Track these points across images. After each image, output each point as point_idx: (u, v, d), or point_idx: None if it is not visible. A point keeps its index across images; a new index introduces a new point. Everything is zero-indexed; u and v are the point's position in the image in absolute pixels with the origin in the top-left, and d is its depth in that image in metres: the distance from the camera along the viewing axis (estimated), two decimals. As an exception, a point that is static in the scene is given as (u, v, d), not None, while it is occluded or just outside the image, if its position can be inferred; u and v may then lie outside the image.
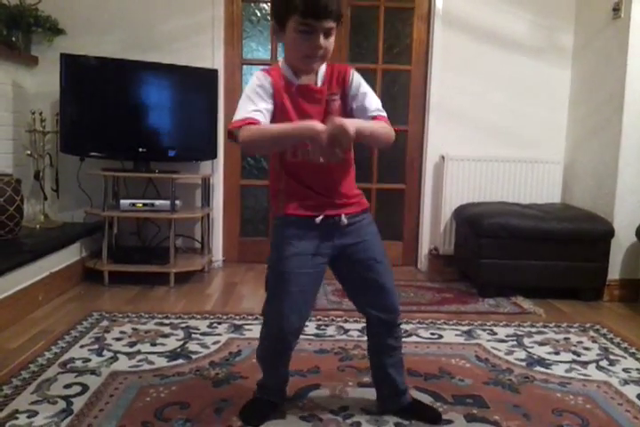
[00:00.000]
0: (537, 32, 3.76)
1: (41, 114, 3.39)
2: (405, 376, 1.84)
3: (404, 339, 2.45)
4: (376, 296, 1.71)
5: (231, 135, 1.51)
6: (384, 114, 1.60)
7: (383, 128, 1.56)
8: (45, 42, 3.53)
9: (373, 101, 1.60)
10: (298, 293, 1.64)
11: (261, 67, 3.74)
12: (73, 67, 3.29)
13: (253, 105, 1.50)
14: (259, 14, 3.82)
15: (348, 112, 1.59)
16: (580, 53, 3.72)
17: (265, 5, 3.81)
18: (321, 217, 1.60)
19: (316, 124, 1.40)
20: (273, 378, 1.82)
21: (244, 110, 1.50)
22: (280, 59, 1.62)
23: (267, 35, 3.83)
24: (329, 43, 1.50)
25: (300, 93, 1.57)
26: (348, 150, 1.61)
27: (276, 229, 1.70)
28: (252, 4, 3.81)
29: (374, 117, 1.57)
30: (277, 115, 1.55)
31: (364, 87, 1.61)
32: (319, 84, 1.58)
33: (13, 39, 3.36)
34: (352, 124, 1.39)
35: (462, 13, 3.71)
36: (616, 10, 3.25)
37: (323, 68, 1.59)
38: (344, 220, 1.61)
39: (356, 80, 1.60)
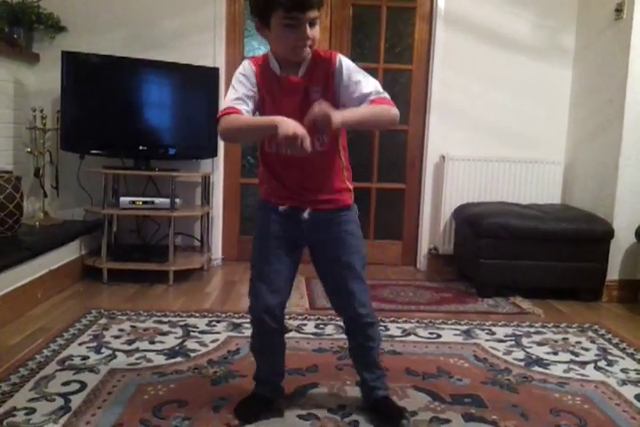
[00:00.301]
0: (539, 32, 3.76)
1: (42, 111, 3.39)
2: (381, 375, 1.81)
3: (402, 338, 2.48)
4: (343, 296, 1.73)
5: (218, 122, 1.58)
6: (383, 95, 1.55)
7: (380, 110, 1.54)
8: (47, 39, 3.53)
9: (369, 85, 1.55)
10: (268, 272, 1.67)
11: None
12: (74, 64, 3.29)
13: (235, 93, 1.56)
14: (260, 13, 3.81)
15: (337, 103, 1.55)
16: (581, 54, 3.72)
17: (266, 4, 3.80)
18: (284, 207, 1.64)
19: (275, 119, 1.42)
20: (263, 369, 1.82)
21: (227, 99, 1.57)
22: (268, 51, 1.62)
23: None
24: (315, 31, 1.50)
25: (278, 85, 1.58)
26: (327, 145, 1.61)
27: (256, 212, 1.78)
28: (254, 3, 3.80)
29: (372, 101, 1.54)
30: (257, 104, 1.59)
31: (355, 74, 1.56)
32: (300, 74, 1.57)
33: (15, 36, 3.36)
34: (338, 115, 1.41)
35: (464, 13, 3.71)
36: (618, 11, 3.25)
37: (308, 58, 1.57)
38: (305, 215, 1.63)
39: (345, 68, 1.56)
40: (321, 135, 1.58)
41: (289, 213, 1.64)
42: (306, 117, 1.42)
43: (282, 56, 1.56)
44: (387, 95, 1.56)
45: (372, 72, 3.80)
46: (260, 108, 1.60)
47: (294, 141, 1.38)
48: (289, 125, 1.39)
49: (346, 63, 1.57)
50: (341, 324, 2.60)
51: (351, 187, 1.71)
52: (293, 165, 1.60)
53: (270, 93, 1.58)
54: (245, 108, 1.54)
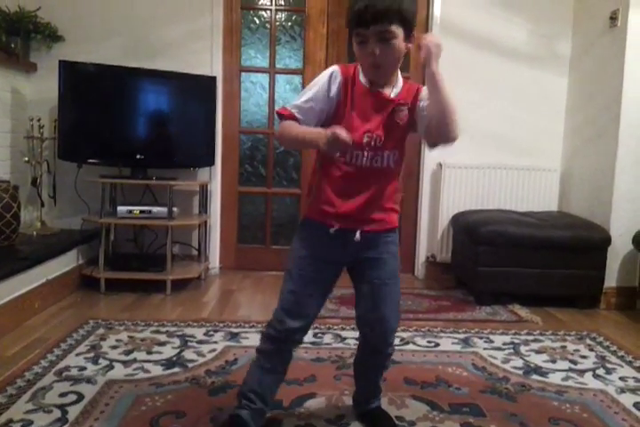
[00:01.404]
0: (534, 40, 3.77)
1: (39, 120, 3.39)
2: (377, 392, 1.83)
3: (401, 347, 2.48)
4: (372, 321, 1.69)
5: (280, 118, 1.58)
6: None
7: (451, 98, 1.50)
8: (44, 48, 3.54)
9: None
10: (296, 293, 1.63)
11: (259, 74, 3.82)
12: (71, 73, 3.30)
13: (306, 100, 1.53)
14: (257, 22, 3.83)
15: (411, 123, 1.59)
16: (577, 61, 3.74)
17: (264, 13, 3.82)
18: (335, 228, 1.58)
19: (319, 136, 1.41)
20: (257, 385, 1.68)
21: (296, 101, 1.55)
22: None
23: (265, 42, 3.84)
24: (388, 48, 1.46)
25: (368, 97, 1.55)
26: (398, 161, 1.62)
27: (298, 228, 1.71)
28: (251, 12, 3.82)
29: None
30: (342, 109, 1.55)
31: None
32: (392, 95, 1.57)
33: (12, 46, 3.36)
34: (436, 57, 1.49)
35: (460, 21, 3.72)
36: (613, 18, 3.27)
37: (400, 83, 1.58)
38: (357, 237, 1.59)
39: (425, 91, 1.58)
40: (395, 151, 1.59)
41: (339, 235, 1.59)
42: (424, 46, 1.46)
43: (367, 76, 1.55)
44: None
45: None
46: (340, 110, 1.56)
47: (338, 144, 1.37)
48: (324, 135, 1.39)
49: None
50: (339, 333, 2.62)
51: (399, 209, 1.70)
52: (363, 180, 1.57)
53: (355, 105, 1.55)
54: (303, 118, 1.53)
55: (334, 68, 1.57)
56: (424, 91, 1.57)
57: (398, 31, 1.46)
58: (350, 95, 1.55)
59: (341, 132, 1.37)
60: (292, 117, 1.53)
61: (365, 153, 1.55)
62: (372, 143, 1.55)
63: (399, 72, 1.59)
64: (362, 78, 1.56)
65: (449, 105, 1.47)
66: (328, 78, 1.55)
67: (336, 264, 1.66)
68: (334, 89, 1.54)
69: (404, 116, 1.58)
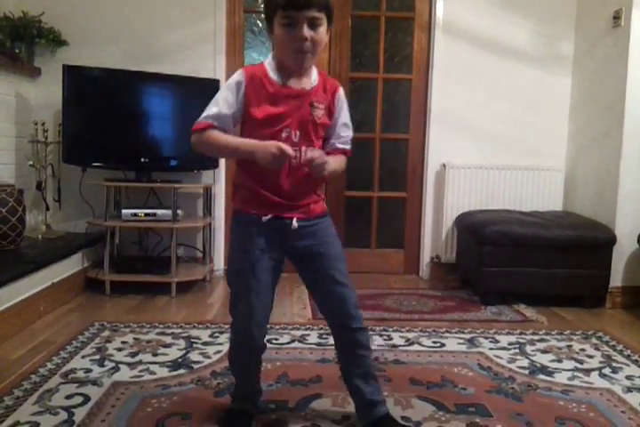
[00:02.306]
0: (537, 40, 3.77)
1: (43, 124, 3.40)
2: (379, 387, 1.76)
3: (406, 347, 2.47)
4: (335, 300, 1.69)
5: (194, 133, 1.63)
6: (349, 146, 1.72)
7: (342, 167, 1.70)
8: (48, 53, 3.55)
9: (348, 131, 1.70)
10: (257, 286, 1.63)
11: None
12: (75, 78, 3.31)
13: (217, 108, 1.58)
14: (260, 25, 3.84)
15: (332, 124, 1.66)
16: (580, 61, 3.73)
17: (266, 16, 3.83)
18: (269, 216, 1.60)
19: (255, 148, 1.49)
20: (244, 386, 1.81)
21: (210, 111, 1.59)
22: (267, 59, 1.62)
23: (268, 45, 3.85)
24: (316, 34, 1.48)
25: (280, 94, 1.56)
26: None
27: (231, 224, 1.72)
28: (254, 15, 3.84)
29: (339, 149, 1.70)
30: (252, 113, 1.57)
31: (347, 113, 1.69)
32: (307, 88, 1.58)
33: (16, 51, 3.38)
34: (329, 166, 1.54)
35: (462, 22, 3.73)
36: (616, 18, 3.27)
37: (314, 74, 1.60)
38: (295, 224, 1.61)
39: (342, 100, 1.67)
40: (310, 146, 1.60)
41: (273, 223, 1.61)
42: (305, 156, 1.48)
43: (285, 63, 1.56)
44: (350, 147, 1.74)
45: (372, 82, 3.85)
46: (245, 116, 1.59)
47: (282, 158, 1.45)
48: (268, 151, 1.46)
49: (344, 96, 1.68)
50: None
51: (323, 196, 1.75)
52: (283, 171, 1.58)
53: (261, 101, 1.56)
54: (219, 125, 1.58)
55: (239, 72, 1.60)
56: (339, 95, 1.65)
57: (324, 18, 1.49)
58: (262, 93, 1.56)
59: (287, 148, 1.44)
60: (213, 127, 1.58)
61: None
62: (293, 138, 1.57)
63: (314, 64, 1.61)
64: (272, 74, 1.57)
65: (336, 174, 1.70)
66: (234, 83, 1.57)
67: (277, 252, 1.65)
68: (241, 92, 1.56)
69: (322, 115, 1.61)
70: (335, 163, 1.63)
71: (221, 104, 1.58)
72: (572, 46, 3.79)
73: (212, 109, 1.59)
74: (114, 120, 3.42)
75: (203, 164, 3.62)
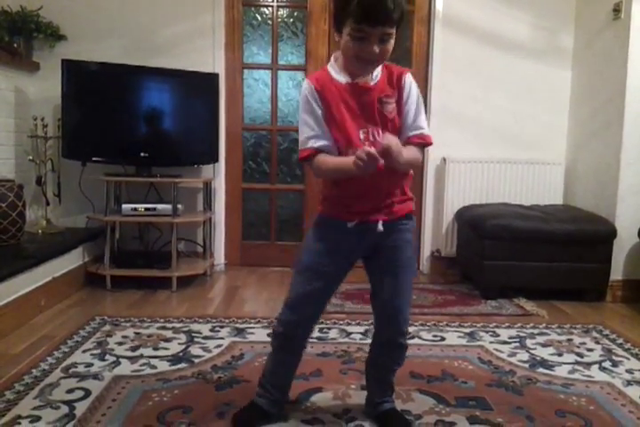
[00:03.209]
0: (537, 34, 3.76)
1: (43, 119, 3.40)
2: (390, 392, 1.81)
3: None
4: (386, 310, 1.69)
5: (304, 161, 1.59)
6: (425, 132, 1.59)
7: (417, 158, 1.58)
8: (47, 48, 3.55)
9: (424, 120, 1.59)
10: (317, 288, 1.64)
11: (262, 71, 3.82)
12: (74, 72, 3.30)
13: (309, 129, 1.54)
14: (259, 18, 3.83)
15: (402, 116, 1.57)
16: (580, 55, 3.72)
17: (265, 9, 3.82)
18: (354, 222, 1.58)
19: (352, 162, 1.41)
20: (274, 378, 1.77)
21: (304, 136, 1.55)
22: (330, 62, 1.59)
23: (267, 39, 3.84)
24: (385, 48, 1.45)
25: (348, 92, 1.54)
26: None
27: (313, 224, 1.70)
28: (253, 9, 3.82)
29: (413, 137, 1.57)
30: (329, 118, 1.54)
31: (419, 102, 1.59)
32: (371, 83, 1.55)
33: (15, 45, 3.37)
34: (399, 155, 1.41)
35: (462, 16, 3.71)
36: (616, 11, 3.26)
37: (378, 68, 1.56)
38: (380, 227, 1.58)
39: (409, 87, 1.57)
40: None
41: (359, 228, 1.59)
42: (382, 143, 1.40)
43: (347, 64, 1.53)
44: (429, 133, 1.61)
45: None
46: (328, 117, 1.55)
47: (370, 162, 1.38)
48: (355, 165, 1.40)
49: (411, 81, 1.59)
50: (345, 328, 2.62)
51: (412, 195, 1.70)
52: (372, 176, 1.51)
53: (338, 99, 1.53)
54: (325, 144, 1.54)
55: (306, 84, 1.56)
56: (404, 82, 1.57)
57: (395, 31, 1.46)
58: (332, 98, 1.54)
59: (361, 152, 1.38)
60: (315, 152, 1.53)
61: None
62: (371, 138, 1.54)
63: None
64: (335, 75, 1.55)
65: (412, 166, 1.61)
66: (307, 93, 1.55)
67: (352, 257, 1.66)
68: (318, 99, 1.54)
69: (392, 109, 1.56)
70: (408, 153, 1.50)
71: (309, 120, 1.54)
72: (571, 39, 3.78)
73: (304, 132, 1.55)
74: (113, 115, 3.41)
75: (202, 158, 3.61)
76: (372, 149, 1.38)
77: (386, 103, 1.54)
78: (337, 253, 1.63)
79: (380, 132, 1.53)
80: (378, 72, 1.55)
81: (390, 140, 1.40)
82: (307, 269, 1.65)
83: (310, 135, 1.54)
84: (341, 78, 1.55)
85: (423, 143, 1.59)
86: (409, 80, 1.58)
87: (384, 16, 1.39)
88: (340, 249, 1.63)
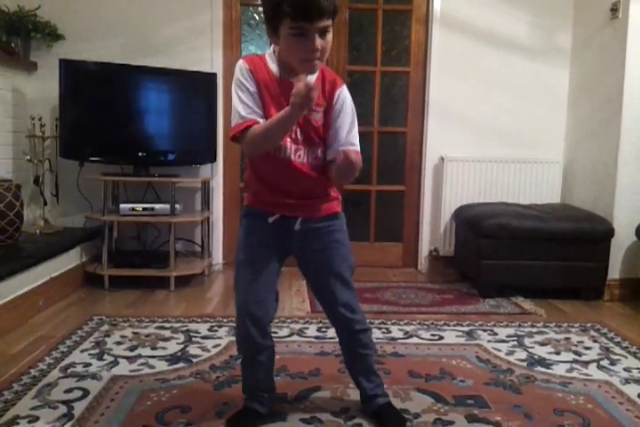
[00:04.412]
0: (535, 33, 3.76)
1: (40, 119, 3.40)
2: (379, 381, 1.82)
3: (405, 340, 2.48)
4: (333, 305, 1.71)
5: (235, 139, 1.55)
6: (357, 149, 1.56)
7: (355, 171, 1.51)
8: (44, 47, 3.54)
9: (352, 133, 1.57)
10: (256, 282, 1.64)
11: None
12: (72, 72, 3.30)
13: (244, 107, 1.51)
14: (257, 18, 3.83)
15: (327, 127, 1.57)
16: (578, 54, 3.73)
17: (263, 9, 3.81)
18: (275, 217, 1.60)
19: (287, 109, 1.40)
20: (249, 382, 1.78)
21: (237, 113, 1.52)
22: (268, 51, 1.57)
23: (266, 38, 3.83)
24: (325, 42, 1.43)
25: (280, 88, 1.52)
26: (319, 159, 1.60)
27: (241, 218, 1.72)
28: (251, 8, 3.82)
29: (353, 153, 1.49)
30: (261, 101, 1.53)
31: (348, 111, 1.57)
32: None
33: (12, 45, 3.37)
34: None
35: (460, 15, 3.72)
36: (614, 10, 3.26)
37: (316, 72, 1.54)
38: (297, 226, 1.60)
39: (342, 101, 1.57)
40: (315, 150, 1.58)
41: (279, 223, 1.61)
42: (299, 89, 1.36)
43: (292, 66, 1.50)
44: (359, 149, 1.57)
45: (370, 75, 3.84)
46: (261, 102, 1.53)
47: (309, 94, 1.34)
48: (300, 94, 1.35)
49: (349, 100, 1.58)
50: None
51: (339, 195, 1.70)
52: (287, 171, 1.57)
53: (269, 93, 1.53)
54: (258, 120, 1.51)
55: (240, 63, 1.55)
56: (338, 94, 1.55)
57: (331, 24, 1.44)
58: (262, 81, 1.53)
59: (304, 83, 1.34)
60: (249, 125, 1.50)
61: (288, 145, 1.55)
62: (293, 135, 1.54)
63: None
64: (272, 66, 1.54)
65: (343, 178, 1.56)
66: (239, 73, 1.53)
67: (281, 251, 1.66)
68: (252, 82, 1.52)
69: (320, 118, 1.55)
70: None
71: (243, 97, 1.52)
72: (569, 38, 3.78)
73: (237, 109, 1.52)
74: (111, 114, 3.41)
75: (200, 157, 3.61)
76: (308, 82, 1.35)
77: (314, 111, 1.52)
78: (266, 244, 1.64)
79: (307, 134, 1.54)
80: (313, 77, 1.50)
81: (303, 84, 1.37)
82: (241, 266, 1.67)
83: (248, 111, 1.51)
84: (275, 69, 1.53)
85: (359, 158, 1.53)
86: (343, 95, 1.57)
87: (320, 9, 1.38)
88: (268, 241, 1.63)
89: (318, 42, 1.41)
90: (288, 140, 1.54)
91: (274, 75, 1.54)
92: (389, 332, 2.60)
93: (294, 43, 1.42)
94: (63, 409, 1.79)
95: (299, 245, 1.65)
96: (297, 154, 1.57)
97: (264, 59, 1.56)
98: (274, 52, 1.55)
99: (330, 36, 1.45)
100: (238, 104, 1.52)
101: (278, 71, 1.53)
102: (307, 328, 2.63)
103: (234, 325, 2.62)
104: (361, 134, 1.62)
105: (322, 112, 1.56)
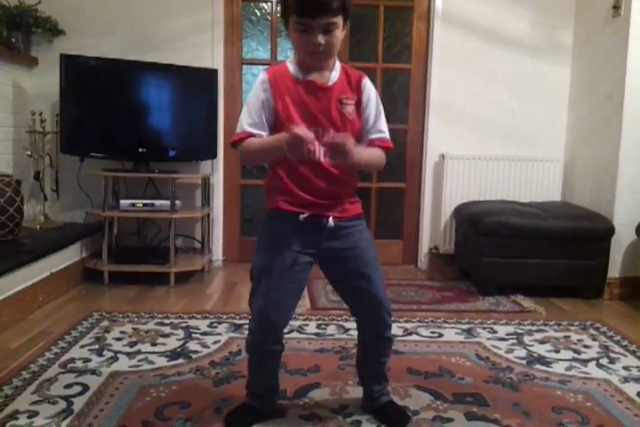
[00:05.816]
0: (537, 30, 3.75)
1: (41, 114, 3.39)
2: (386, 384, 1.82)
3: (404, 337, 2.48)
4: (367, 307, 1.69)
5: (233, 146, 1.59)
6: (386, 136, 1.63)
7: (381, 158, 1.62)
8: (45, 42, 3.53)
9: (380, 120, 1.62)
10: (278, 289, 1.60)
11: (261, 67, 3.81)
12: (73, 67, 3.30)
13: (249, 117, 1.55)
14: (258, 14, 3.82)
15: (362, 119, 1.60)
16: (579, 51, 3.72)
17: (265, 5, 3.81)
18: (306, 215, 1.57)
19: (281, 136, 1.44)
20: (255, 384, 1.76)
21: (242, 122, 1.56)
22: (292, 52, 1.60)
23: (267, 34, 3.83)
24: (331, 38, 1.46)
25: (304, 89, 1.54)
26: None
27: (263, 223, 1.68)
28: (252, 4, 3.81)
29: (374, 140, 1.61)
30: (280, 112, 1.54)
31: (378, 105, 1.62)
32: (329, 83, 1.56)
33: (13, 40, 3.36)
34: (357, 154, 1.44)
35: (462, 12, 3.71)
36: (616, 7, 3.25)
37: (337, 68, 1.57)
38: (331, 222, 1.58)
39: (369, 91, 1.60)
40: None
41: (310, 221, 1.57)
42: (328, 138, 1.42)
43: (302, 61, 1.54)
44: (388, 136, 1.64)
45: (371, 72, 3.83)
46: (283, 114, 1.54)
47: (299, 143, 1.38)
48: (285, 140, 1.40)
49: (373, 90, 1.62)
50: (343, 324, 2.62)
51: (357, 198, 1.71)
52: (320, 173, 1.56)
53: (295, 97, 1.54)
54: (261, 134, 1.54)
55: (261, 75, 1.57)
56: (363, 86, 1.59)
57: (340, 21, 1.46)
58: (285, 93, 1.54)
59: (301, 131, 1.38)
60: (247, 137, 1.54)
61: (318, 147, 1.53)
62: (321, 136, 1.52)
63: (336, 57, 1.58)
64: (292, 70, 1.56)
65: (373, 168, 1.68)
66: (259, 84, 1.56)
67: (306, 255, 1.62)
68: (268, 95, 1.54)
69: (352, 111, 1.57)
70: (367, 153, 1.56)
71: (252, 109, 1.55)
72: (571, 36, 3.77)
73: (243, 118, 1.56)
74: (111, 110, 3.40)
75: (201, 154, 3.61)
76: (303, 130, 1.39)
77: (346, 104, 1.56)
78: (292, 248, 1.59)
79: (337, 131, 1.53)
80: (336, 73, 1.57)
81: (343, 137, 1.42)
82: (265, 272, 1.60)
83: (249, 122, 1.55)
84: (298, 75, 1.55)
85: (383, 147, 1.63)
86: (368, 85, 1.61)
87: (322, 6, 1.41)
88: (296, 244, 1.59)
89: (320, 37, 1.44)
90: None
91: (293, 76, 1.56)
92: (389, 329, 2.60)
93: (298, 37, 1.47)
94: (63, 404, 1.79)
95: (329, 246, 1.61)
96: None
97: (285, 65, 1.58)
98: (294, 55, 1.58)
99: (338, 32, 1.47)
100: (245, 114, 1.56)
101: (296, 71, 1.56)
102: (306, 325, 2.63)
103: (234, 321, 2.64)
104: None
105: (353, 105, 1.58)
